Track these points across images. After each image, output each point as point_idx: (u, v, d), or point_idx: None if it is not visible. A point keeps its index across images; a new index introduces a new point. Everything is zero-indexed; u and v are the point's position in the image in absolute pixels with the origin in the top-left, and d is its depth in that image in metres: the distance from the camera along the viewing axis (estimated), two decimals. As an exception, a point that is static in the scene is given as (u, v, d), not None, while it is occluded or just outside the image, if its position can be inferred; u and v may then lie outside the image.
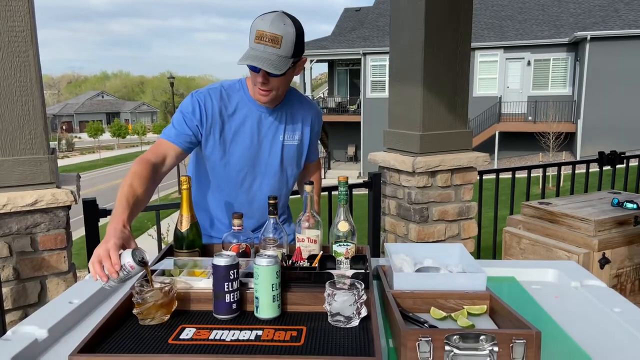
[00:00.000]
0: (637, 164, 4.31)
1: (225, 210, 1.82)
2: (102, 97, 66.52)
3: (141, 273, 1.26)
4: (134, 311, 1.21)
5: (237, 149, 1.73)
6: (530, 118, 20.09)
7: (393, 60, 3.26)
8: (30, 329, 1.17)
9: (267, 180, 1.80)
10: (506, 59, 20.54)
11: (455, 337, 1.00)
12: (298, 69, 1.67)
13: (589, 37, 18.03)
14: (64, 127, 55.40)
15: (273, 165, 1.79)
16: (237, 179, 1.77)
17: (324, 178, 16.80)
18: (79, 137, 50.30)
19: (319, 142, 1.96)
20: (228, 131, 1.72)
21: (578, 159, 17.76)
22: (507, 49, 20.32)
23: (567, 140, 18.38)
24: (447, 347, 1.00)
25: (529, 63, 20.30)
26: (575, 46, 19.39)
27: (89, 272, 1.37)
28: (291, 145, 1.82)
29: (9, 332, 1.17)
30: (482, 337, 1.00)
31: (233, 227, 1.49)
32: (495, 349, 1.00)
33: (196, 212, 1.58)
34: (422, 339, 1.00)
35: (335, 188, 2.71)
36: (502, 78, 20.70)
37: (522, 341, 0.99)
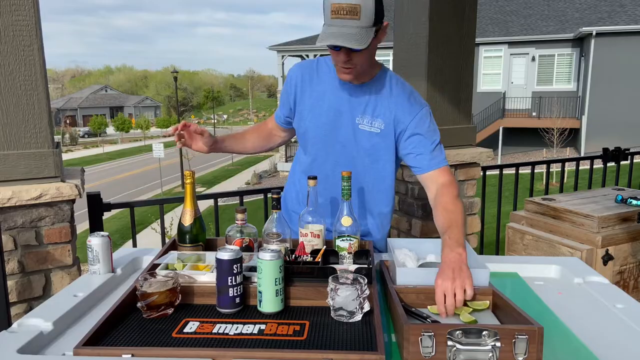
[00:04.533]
0: (641, 160, 4.29)
1: (305, 183, 1.67)
2: (106, 91, 66.61)
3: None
4: (138, 304, 1.22)
5: (313, 121, 1.69)
6: (534, 114, 20.01)
7: (397, 55, 3.25)
8: (35, 321, 1.18)
9: (342, 162, 1.67)
10: (510, 54, 20.44)
11: (458, 332, 1.01)
12: (380, 35, 1.50)
13: (594, 33, 17.92)
14: (68, 121, 55.47)
15: (347, 147, 1.66)
16: (313, 153, 1.73)
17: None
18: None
19: (437, 145, 1.62)
20: (308, 101, 1.69)
21: (582, 155, 17.69)
22: (511, 44, 20.23)
23: (571, 136, 18.31)
24: (449, 342, 1.01)
25: (533, 59, 20.20)
26: (580, 42, 19.27)
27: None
28: (367, 132, 1.64)
29: (14, 325, 1.18)
30: (484, 333, 1.00)
31: (237, 222, 1.50)
32: (498, 344, 1.00)
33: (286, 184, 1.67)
34: (425, 333, 1.01)
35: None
36: (506, 73, 20.62)
37: (524, 337, 1.00)
